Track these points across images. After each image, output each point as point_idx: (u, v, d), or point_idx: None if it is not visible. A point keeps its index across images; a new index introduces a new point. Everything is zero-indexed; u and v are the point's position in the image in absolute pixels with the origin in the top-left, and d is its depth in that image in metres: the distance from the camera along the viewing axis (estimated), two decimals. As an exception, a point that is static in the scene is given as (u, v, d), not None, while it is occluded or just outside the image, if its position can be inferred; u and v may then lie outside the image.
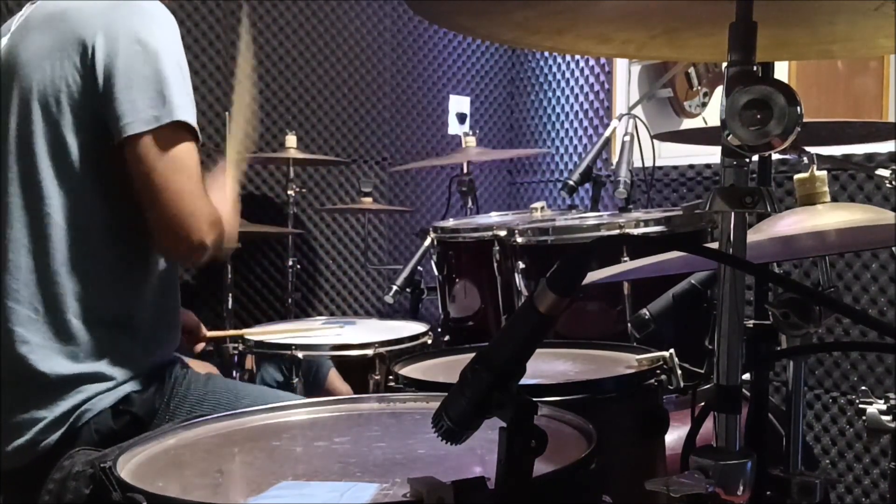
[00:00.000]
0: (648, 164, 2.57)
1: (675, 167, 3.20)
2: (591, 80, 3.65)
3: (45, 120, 1.41)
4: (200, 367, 1.74)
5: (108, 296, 1.44)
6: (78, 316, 1.41)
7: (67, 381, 1.40)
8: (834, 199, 1.20)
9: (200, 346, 2.05)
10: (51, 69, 1.40)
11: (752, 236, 0.95)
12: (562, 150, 3.82)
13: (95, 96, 1.40)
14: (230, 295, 2.84)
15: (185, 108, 1.41)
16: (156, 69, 1.39)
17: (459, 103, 3.88)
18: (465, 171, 3.07)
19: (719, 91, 2.55)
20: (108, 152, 1.41)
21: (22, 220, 1.42)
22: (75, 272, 1.41)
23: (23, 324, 1.41)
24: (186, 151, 1.41)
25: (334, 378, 2.06)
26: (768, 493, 1.07)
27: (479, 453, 0.89)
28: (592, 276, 1.20)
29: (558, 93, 3.83)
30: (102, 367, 1.42)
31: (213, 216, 1.46)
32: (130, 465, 0.90)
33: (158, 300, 1.51)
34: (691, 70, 3.32)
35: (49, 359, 1.40)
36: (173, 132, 1.40)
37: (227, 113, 3.09)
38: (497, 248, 2.22)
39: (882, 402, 1.46)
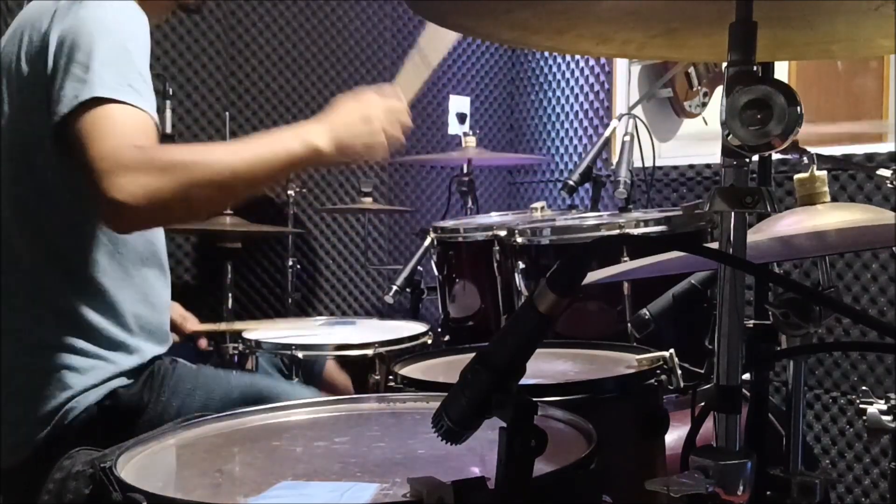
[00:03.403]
0: (648, 164, 2.57)
1: (675, 167, 3.20)
2: (591, 80, 3.65)
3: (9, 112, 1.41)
4: None
5: (84, 293, 1.43)
6: (57, 313, 1.41)
7: (51, 378, 1.40)
8: (834, 199, 1.20)
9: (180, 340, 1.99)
10: (14, 61, 1.41)
11: (752, 236, 0.95)
12: (562, 151, 3.82)
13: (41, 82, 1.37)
14: (230, 295, 2.84)
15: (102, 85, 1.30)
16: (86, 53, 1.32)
17: (459, 103, 3.87)
18: (465, 171, 3.08)
19: (719, 91, 2.55)
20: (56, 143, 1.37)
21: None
22: (46, 270, 1.41)
23: (5, 322, 1.41)
24: (102, 117, 1.29)
25: (332, 368, 2.05)
26: (768, 493, 1.07)
27: (479, 453, 0.89)
28: (592, 277, 1.21)
29: (558, 93, 3.83)
30: (85, 363, 1.42)
31: (125, 161, 1.25)
32: (130, 465, 0.90)
33: (139, 296, 1.50)
34: (691, 70, 3.32)
35: (33, 357, 1.40)
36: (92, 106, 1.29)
37: (226, 113, 3.11)
38: (497, 248, 2.22)
39: (882, 402, 1.46)
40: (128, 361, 1.47)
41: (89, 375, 1.42)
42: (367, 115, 1.43)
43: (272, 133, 1.40)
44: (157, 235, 1.57)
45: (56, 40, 1.34)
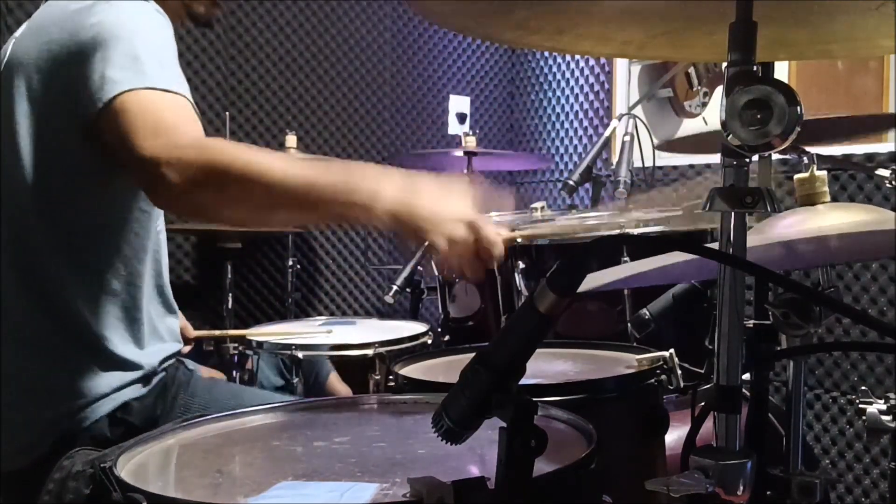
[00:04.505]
0: (648, 164, 2.57)
1: (675, 167, 3.20)
2: (591, 80, 3.65)
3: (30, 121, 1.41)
4: (205, 373, 1.73)
5: (97, 299, 1.42)
6: (68, 320, 1.40)
7: (61, 388, 1.39)
8: (834, 199, 1.20)
9: (186, 348, 2.03)
10: (35, 59, 1.40)
11: (752, 237, 0.95)
12: (562, 151, 3.82)
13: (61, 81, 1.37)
14: (230, 295, 2.84)
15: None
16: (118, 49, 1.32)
17: (459, 103, 3.88)
18: (465, 171, 3.08)
19: (719, 91, 2.55)
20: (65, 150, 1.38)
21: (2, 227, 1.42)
22: (61, 275, 1.40)
23: (13, 330, 1.41)
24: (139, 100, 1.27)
25: (334, 381, 2.06)
26: (768, 493, 1.07)
27: (479, 453, 0.89)
28: (593, 281, 1.20)
29: (558, 93, 3.83)
30: (95, 375, 1.41)
31: (162, 127, 1.24)
32: (130, 465, 0.90)
33: (150, 299, 1.50)
34: (691, 70, 3.32)
35: (41, 364, 1.40)
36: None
37: (226, 113, 3.10)
38: (497, 247, 2.22)
39: (882, 402, 1.46)
40: (140, 368, 1.46)
41: (102, 383, 1.41)
42: (449, 218, 1.18)
43: (347, 166, 1.25)
44: (161, 227, 1.56)
45: (90, 36, 1.33)
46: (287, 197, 1.21)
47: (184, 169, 1.19)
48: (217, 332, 2.26)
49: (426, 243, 1.17)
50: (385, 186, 1.19)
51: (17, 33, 1.50)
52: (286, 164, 1.23)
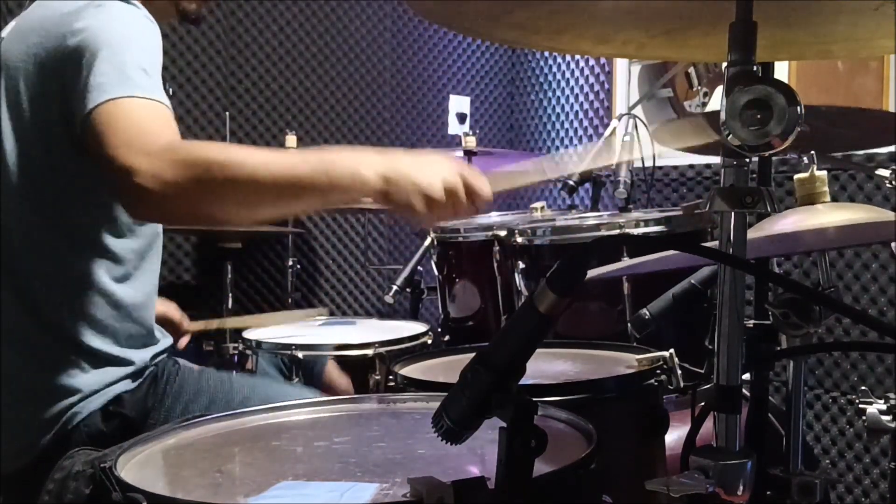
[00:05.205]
0: (648, 164, 2.57)
1: (675, 167, 3.20)
2: (591, 80, 3.65)
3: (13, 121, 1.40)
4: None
5: (89, 296, 1.42)
6: (61, 317, 1.40)
7: (53, 384, 1.39)
8: (834, 199, 1.20)
9: (184, 341, 2.03)
10: (24, 59, 1.40)
11: (752, 234, 0.95)
12: (562, 151, 3.82)
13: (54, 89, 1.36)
14: (230, 295, 2.84)
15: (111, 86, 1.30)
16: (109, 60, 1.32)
17: (459, 103, 3.88)
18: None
19: (719, 91, 2.54)
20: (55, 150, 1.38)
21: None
22: (54, 272, 1.40)
23: (7, 331, 1.41)
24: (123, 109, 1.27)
25: (332, 369, 2.05)
26: (768, 493, 1.07)
27: (479, 453, 0.89)
28: (595, 271, 1.20)
29: (558, 93, 3.83)
30: (89, 368, 1.41)
31: (149, 142, 1.22)
32: (130, 465, 0.90)
33: (142, 295, 1.50)
34: (691, 70, 3.32)
35: (35, 361, 1.40)
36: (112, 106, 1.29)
37: (226, 113, 3.11)
38: (497, 248, 2.22)
39: (882, 402, 1.46)
40: (131, 364, 1.46)
41: (93, 380, 1.41)
42: (435, 170, 1.23)
43: (320, 150, 1.28)
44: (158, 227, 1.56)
45: (77, 41, 1.33)
46: (270, 185, 1.20)
47: (158, 175, 1.17)
48: (215, 322, 2.25)
49: (418, 198, 1.20)
50: (366, 156, 1.23)
51: (4, 32, 1.49)
52: (262, 155, 1.22)
